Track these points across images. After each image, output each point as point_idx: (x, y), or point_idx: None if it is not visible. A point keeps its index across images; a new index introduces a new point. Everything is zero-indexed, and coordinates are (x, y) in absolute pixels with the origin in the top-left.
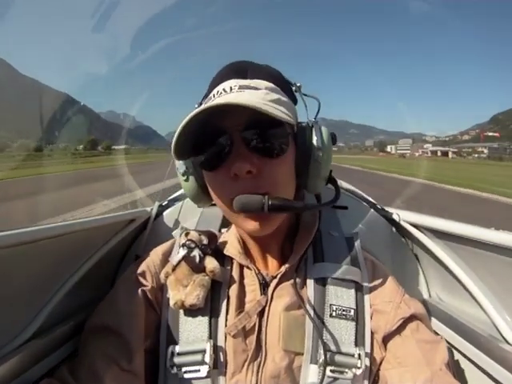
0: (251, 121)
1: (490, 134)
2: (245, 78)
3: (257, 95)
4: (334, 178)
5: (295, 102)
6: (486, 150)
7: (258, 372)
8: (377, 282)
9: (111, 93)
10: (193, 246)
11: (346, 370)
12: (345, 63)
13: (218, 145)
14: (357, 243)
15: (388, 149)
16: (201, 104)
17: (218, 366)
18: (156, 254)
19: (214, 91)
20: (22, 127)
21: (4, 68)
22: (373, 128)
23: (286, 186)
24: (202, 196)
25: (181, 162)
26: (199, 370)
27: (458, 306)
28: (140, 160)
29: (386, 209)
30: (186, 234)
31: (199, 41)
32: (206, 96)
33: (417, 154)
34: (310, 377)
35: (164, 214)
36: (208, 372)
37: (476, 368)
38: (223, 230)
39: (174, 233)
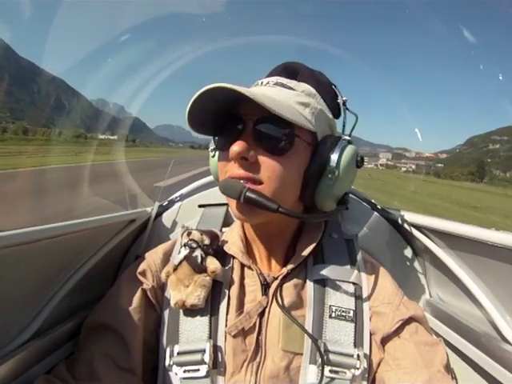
0: (265, 114)
1: (427, 154)
2: (294, 78)
3: (285, 94)
4: (346, 201)
5: (337, 114)
6: (413, 166)
7: (256, 372)
8: (376, 284)
9: (103, 81)
10: (195, 245)
11: (345, 371)
12: (343, 66)
13: (232, 129)
14: (356, 245)
15: None
16: None
17: (217, 366)
18: (157, 253)
19: (257, 82)
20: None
21: (2, 48)
22: (359, 140)
23: (282, 187)
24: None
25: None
26: (198, 370)
27: (458, 306)
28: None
29: (387, 209)
30: (188, 234)
31: (194, 38)
32: None
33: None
34: (308, 377)
35: (164, 214)
36: (207, 372)
37: (476, 368)
38: (224, 230)
39: (174, 233)
